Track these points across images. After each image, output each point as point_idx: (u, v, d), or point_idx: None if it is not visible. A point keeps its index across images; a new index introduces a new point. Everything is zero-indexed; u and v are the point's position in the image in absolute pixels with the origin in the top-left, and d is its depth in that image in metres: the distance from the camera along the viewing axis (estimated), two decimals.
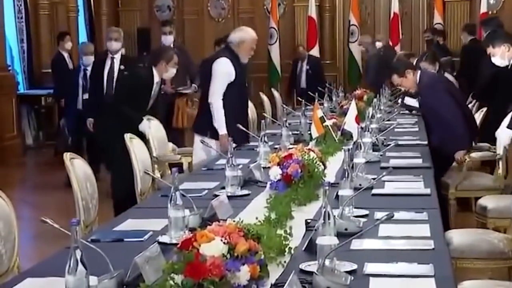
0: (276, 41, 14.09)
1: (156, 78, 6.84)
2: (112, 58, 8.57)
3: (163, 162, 6.60)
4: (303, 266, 2.80)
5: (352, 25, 14.22)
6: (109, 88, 8.41)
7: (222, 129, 6.26)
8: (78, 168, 4.44)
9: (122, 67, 8.47)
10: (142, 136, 6.54)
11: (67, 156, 4.44)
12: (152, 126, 6.73)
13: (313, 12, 14.16)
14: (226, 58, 6.36)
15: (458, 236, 4.27)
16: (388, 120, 7.44)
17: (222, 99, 6.29)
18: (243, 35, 6.52)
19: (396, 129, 6.78)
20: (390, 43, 13.42)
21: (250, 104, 9.20)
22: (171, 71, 6.90)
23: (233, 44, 6.44)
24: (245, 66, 6.65)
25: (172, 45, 9.35)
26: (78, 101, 9.82)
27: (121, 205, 5.57)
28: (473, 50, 9.90)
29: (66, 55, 11.29)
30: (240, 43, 6.44)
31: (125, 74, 7.94)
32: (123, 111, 6.70)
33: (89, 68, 9.43)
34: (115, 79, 8.40)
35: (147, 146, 6.55)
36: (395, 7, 13.97)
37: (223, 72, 6.32)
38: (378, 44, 12.21)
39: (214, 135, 6.30)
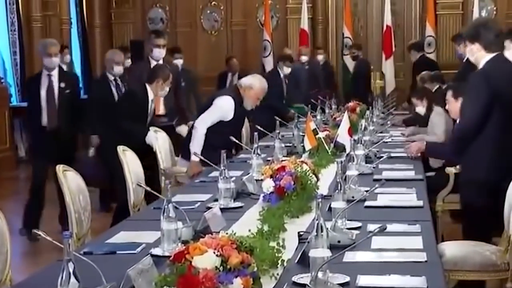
0: (269, 54, 14.11)
1: (151, 96, 6.85)
2: (49, 76, 7.35)
3: (170, 174, 6.59)
4: (296, 278, 2.79)
5: (346, 37, 14.28)
6: (51, 109, 7.34)
7: (195, 157, 6.27)
8: (70, 180, 4.43)
9: (62, 85, 7.37)
10: (149, 149, 6.61)
11: (59, 168, 4.43)
12: (159, 138, 6.74)
13: (305, 25, 14.21)
14: (231, 98, 6.48)
15: (451, 248, 4.27)
16: (381, 133, 7.46)
17: (211, 131, 6.39)
18: (253, 82, 6.60)
19: (388, 142, 6.79)
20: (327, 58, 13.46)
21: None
22: (166, 90, 6.94)
23: (242, 87, 6.56)
24: (246, 112, 6.81)
25: (179, 68, 9.35)
26: None
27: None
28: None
29: (65, 67, 11.32)
30: (247, 89, 6.52)
31: (123, 93, 7.62)
32: (125, 126, 6.70)
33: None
34: (56, 100, 7.34)
35: (155, 158, 6.62)
36: (387, 20, 14.00)
37: (221, 108, 6.45)
38: (304, 58, 12.06)
39: (186, 155, 6.41)
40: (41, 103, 7.29)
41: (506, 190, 4.13)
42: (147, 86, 6.85)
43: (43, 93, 7.29)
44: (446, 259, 4.11)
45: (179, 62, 10.32)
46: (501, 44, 4.87)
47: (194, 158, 6.22)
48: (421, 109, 7.87)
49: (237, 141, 6.13)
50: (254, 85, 6.59)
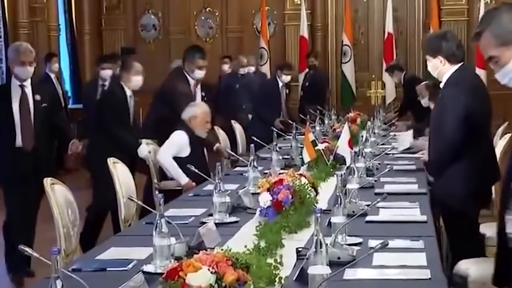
0: (266, 62, 14.12)
1: (128, 92, 6.88)
2: (22, 87, 6.37)
3: (164, 189, 6.57)
4: None
5: (345, 45, 14.29)
6: (26, 125, 6.35)
7: (182, 179, 6.41)
8: (58, 194, 4.43)
9: (38, 97, 6.41)
10: (142, 162, 6.66)
11: (47, 181, 4.43)
12: (152, 151, 6.75)
13: (304, 32, 14.24)
14: (183, 132, 6.62)
15: (474, 268, 4.13)
16: (383, 144, 7.46)
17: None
18: (194, 111, 6.76)
19: (391, 154, 6.79)
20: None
21: (240, 127, 9.24)
22: (135, 79, 6.93)
23: (186, 120, 6.70)
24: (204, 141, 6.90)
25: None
26: None
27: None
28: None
29: (53, 76, 11.35)
30: (192, 119, 6.70)
31: (102, 93, 7.66)
32: (117, 136, 6.70)
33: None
34: (32, 113, 6.36)
35: (149, 172, 6.64)
36: (389, 27, 14.03)
37: (175, 143, 6.59)
38: (251, 69, 11.77)
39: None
40: (14, 119, 6.32)
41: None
42: (123, 82, 6.88)
43: (15, 107, 6.32)
44: (472, 279, 4.01)
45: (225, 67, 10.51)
46: (463, 55, 4.89)
47: (183, 181, 6.40)
48: (426, 101, 7.92)
49: (233, 154, 6.13)
50: (196, 112, 6.74)
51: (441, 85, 4.95)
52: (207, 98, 7.95)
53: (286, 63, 11.35)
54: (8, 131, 6.31)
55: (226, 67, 12.55)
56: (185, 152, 6.58)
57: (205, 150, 7.00)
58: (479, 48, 2.90)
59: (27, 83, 6.37)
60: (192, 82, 7.58)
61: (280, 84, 10.62)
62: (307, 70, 12.84)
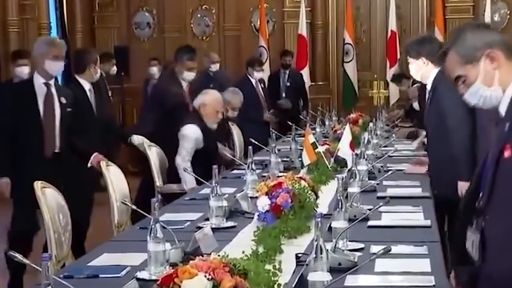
0: (266, 61, 14.08)
1: (87, 86, 6.81)
2: (47, 85, 6.06)
3: (166, 192, 6.57)
4: None
5: (347, 43, 14.27)
6: (50, 130, 6.00)
7: (191, 185, 6.36)
8: (50, 198, 4.43)
9: (63, 100, 6.09)
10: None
11: (37, 185, 4.43)
12: (153, 153, 6.73)
13: (303, 30, 14.21)
14: (194, 125, 6.58)
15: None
16: (385, 146, 7.47)
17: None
18: (204, 98, 6.75)
19: (393, 156, 6.80)
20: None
21: (237, 129, 9.24)
22: (98, 72, 6.98)
23: (196, 108, 6.71)
24: (216, 134, 6.88)
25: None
26: None
27: None
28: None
29: None
30: (202, 107, 6.68)
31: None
32: (78, 147, 6.18)
33: None
34: (58, 116, 6.03)
35: (150, 174, 6.63)
36: (392, 25, 14.02)
37: (190, 137, 6.55)
38: (214, 67, 11.55)
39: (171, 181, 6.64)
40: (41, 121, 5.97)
41: None
42: (78, 77, 6.81)
43: (40, 107, 5.98)
44: None
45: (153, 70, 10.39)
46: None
47: (190, 186, 6.33)
48: (417, 104, 7.93)
49: (230, 155, 6.14)
50: (205, 100, 6.73)
51: (428, 87, 4.98)
52: None
53: (256, 58, 11.39)
54: (34, 134, 5.93)
55: (155, 70, 12.53)
56: (199, 145, 6.58)
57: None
58: (446, 68, 2.93)
59: (52, 82, 6.13)
60: (184, 84, 7.59)
61: (253, 81, 10.77)
62: (282, 70, 12.59)
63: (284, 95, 12.16)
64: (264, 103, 10.94)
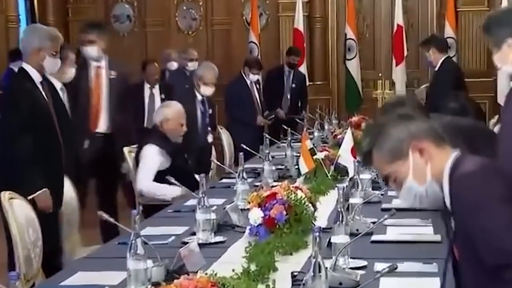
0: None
1: (58, 85, 6.75)
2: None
3: (149, 198, 6.56)
4: None
5: (349, 39, 14.26)
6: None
7: (176, 192, 6.31)
8: (18, 210, 4.41)
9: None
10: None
11: (5, 195, 4.41)
12: (133, 160, 6.73)
13: (300, 24, 14.20)
14: (153, 145, 6.56)
15: None
16: None
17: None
18: (165, 112, 6.75)
19: None
20: None
21: (227, 133, 9.26)
22: (70, 71, 6.90)
23: (159, 125, 6.71)
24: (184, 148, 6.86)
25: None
26: None
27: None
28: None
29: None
30: (164, 122, 6.68)
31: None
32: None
33: None
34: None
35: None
36: (398, 18, 14.01)
37: (149, 158, 6.54)
38: (192, 65, 11.30)
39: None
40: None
41: None
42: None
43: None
44: None
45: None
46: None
47: (176, 194, 6.28)
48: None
49: (219, 163, 6.14)
50: (168, 115, 6.72)
51: None
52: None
53: (256, 61, 11.36)
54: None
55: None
56: (165, 165, 6.55)
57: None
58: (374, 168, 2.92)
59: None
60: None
61: (248, 81, 10.87)
62: (287, 69, 12.58)
63: (289, 96, 12.16)
64: (258, 106, 10.97)
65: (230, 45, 14.97)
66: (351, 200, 4.57)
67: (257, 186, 5.22)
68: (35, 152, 5.61)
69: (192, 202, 5.21)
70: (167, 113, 6.71)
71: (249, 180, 5.52)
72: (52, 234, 5.46)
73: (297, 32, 14.17)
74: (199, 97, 8.28)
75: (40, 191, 5.52)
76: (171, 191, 6.29)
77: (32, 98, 5.82)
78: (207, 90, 8.27)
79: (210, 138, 8.43)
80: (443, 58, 9.44)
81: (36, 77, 5.88)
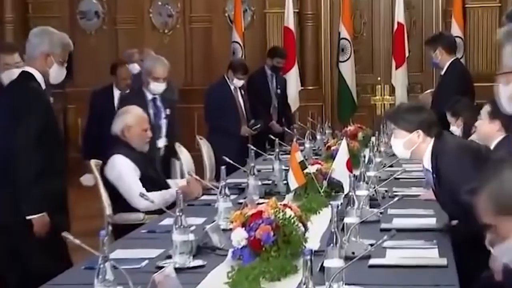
0: None
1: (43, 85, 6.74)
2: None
3: (118, 222, 6.51)
4: None
5: (343, 38, 14.28)
6: None
7: (170, 193, 6.34)
8: None
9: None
10: None
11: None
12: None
13: (290, 22, 14.21)
14: (118, 155, 6.58)
15: None
16: (391, 166, 7.48)
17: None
18: (125, 119, 6.75)
19: (401, 178, 6.81)
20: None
21: (207, 144, 9.25)
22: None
23: (120, 135, 6.72)
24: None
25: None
26: None
27: None
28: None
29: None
30: (126, 130, 6.70)
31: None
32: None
33: None
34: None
35: None
36: (399, 16, 14.01)
37: (123, 168, 6.57)
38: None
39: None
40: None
41: None
42: (30, 69, 6.10)
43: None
44: None
45: None
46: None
47: (172, 192, 6.28)
48: (454, 129, 7.88)
49: (198, 178, 6.13)
50: (128, 121, 6.71)
51: None
52: None
53: (242, 64, 11.23)
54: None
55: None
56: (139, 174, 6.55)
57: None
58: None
59: None
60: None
61: (232, 86, 10.80)
62: (269, 72, 12.49)
63: (276, 104, 12.12)
64: (243, 114, 10.92)
65: (211, 45, 14.99)
66: (346, 220, 4.57)
67: (241, 203, 5.22)
68: (43, 167, 5.71)
69: (167, 221, 5.20)
70: (127, 119, 6.70)
71: (232, 196, 5.51)
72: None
73: (287, 31, 14.17)
74: (149, 96, 8.10)
75: (39, 215, 5.67)
76: (168, 194, 6.38)
77: (45, 104, 5.94)
78: (158, 87, 8.10)
79: (161, 143, 8.15)
80: (451, 60, 9.42)
81: (42, 83, 5.96)
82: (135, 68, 11.37)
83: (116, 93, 10.22)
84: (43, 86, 6.00)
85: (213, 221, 5.05)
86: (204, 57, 14.83)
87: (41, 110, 5.86)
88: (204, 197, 6.62)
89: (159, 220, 5.66)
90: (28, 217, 5.67)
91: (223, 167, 5.50)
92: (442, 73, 9.30)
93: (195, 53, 14.99)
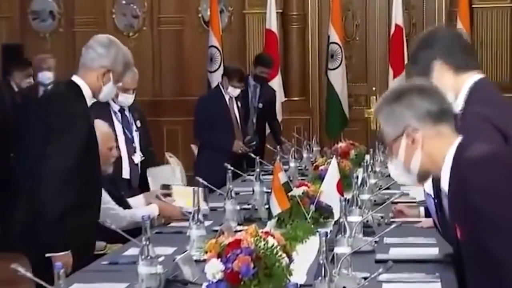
0: (219, 67, 14.05)
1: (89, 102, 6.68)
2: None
3: None
4: None
5: (333, 43, 14.29)
6: None
7: (138, 213, 6.35)
8: None
9: None
10: None
11: None
12: None
13: (273, 24, 14.22)
14: None
15: None
16: (388, 189, 7.49)
17: None
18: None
19: (399, 202, 6.83)
20: None
21: (177, 162, 9.25)
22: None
23: None
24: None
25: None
26: None
27: None
28: None
29: None
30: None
31: None
32: None
33: None
34: None
35: None
36: (397, 17, 14.02)
37: None
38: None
39: None
40: None
41: None
42: (79, 81, 6.12)
43: None
44: None
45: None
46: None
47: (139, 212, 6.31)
48: None
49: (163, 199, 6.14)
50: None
51: None
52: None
53: (238, 70, 11.19)
54: None
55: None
56: None
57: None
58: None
59: None
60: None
61: (227, 96, 10.80)
62: (252, 83, 12.43)
63: (254, 120, 12.11)
64: (238, 128, 10.87)
65: (183, 50, 15.01)
66: (337, 250, 4.58)
67: (217, 231, 5.23)
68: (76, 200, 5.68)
69: (132, 251, 5.20)
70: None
71: (206, 223, 5.52)
72: None
73: (269, 34, 14.17)
74: (115, 107, 8.11)
75: (62, 253, 5.60)
76: (137, 212, 6.40)
77: (89, 125, 5.94)
78: (128, 98, 8.14)
79: (136, 159, 8.16)
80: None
81: (89, 98, 5.98)
82: (46, 77, 11.43)
83: None
84: (88, 103, 5.97)
85: (185, 251, 5.05)
86: (175, 63, 14.84)
87: (83, 131, 5.79)
88: (174, 224, 6.62)
89: (123, 250, 5.65)
90: (47, 255, 5.53)
91: (196, 188, 5.50)
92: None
93: (164, 59, 14.99)
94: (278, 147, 9.68)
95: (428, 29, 5.18)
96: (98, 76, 5.94)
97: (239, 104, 11.04)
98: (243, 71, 11.31)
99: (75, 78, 5.93)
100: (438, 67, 4.75)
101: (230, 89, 10.77)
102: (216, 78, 13.63)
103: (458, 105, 4.62)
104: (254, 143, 10.95)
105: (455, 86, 4.74)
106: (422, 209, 6.38)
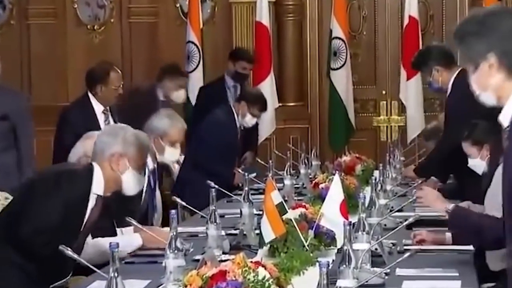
0: (198, 66, 14.04)
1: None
2: None
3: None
4: None
5: (336, 38, 14.30)
6: None
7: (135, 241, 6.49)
8: None
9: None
10: None
11: None
12: None
13: (264, 16, 14.21)
14: None
15: None
16: (400, 211, 7.51)
17: None
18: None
19: (415, 227, 6.85)
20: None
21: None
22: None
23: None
24: None
25: None
26: None
27: None
28: None
29: None
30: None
31: None
32: None
33: None
34: None
35: None
36: (412, 8, 13.97)
37: None
38: None
39: None
40: None
41: None
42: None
43: None
44: None
45: None
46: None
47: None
48: (477, 162, 7.91)
49: (136, 224, 6.15)
50: (87, 149, 6.70)
51: None
52: None
53: (261, 97, 10.76)
54: None
55: None
56: None
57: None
58: None
59: None
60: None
61: (238, 123, 10.67)
62: (231, 83, 12.38)
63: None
64: (239, 149, 10.87)
65: (157, 46, 15.00)
66: (340, 283, 4.60)
67: (198, 260, 5.25)
68: None
69: (97, 284, 5.21)
70: (87, 147, 6.72)
71: (188, 250, 5.53)
72: None
73: (259, 28, 14.16)
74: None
75: None
76: (131, 240, 6.53)
77: None
78: (174, 154, 8.44)
79: None
80: (454, 75, 9.47)
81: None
82: None
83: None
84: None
85: (160, 285, 5.07)
86: (147, 61, 14.82)
87: None
88: (150, 251, 6.61)
89: (86, 283, 5.66)
90: None
91: (173, 212, 5.52)
92: (447, 95, 9.24)
93: (135, 56, 14.98)
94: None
95: (486, 9, 4.87)
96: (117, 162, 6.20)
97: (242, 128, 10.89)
98: (266, 99, 11.16)
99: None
100: (486, 64, 4.54)
101: (248, 118, 10.60)
102: (195, 81, 13.56)
103: (506, 117, 4.47)
104: (245, 159, 10.97)
105: (501, 91, 4.50)
106: (448, 235, 6.39)
